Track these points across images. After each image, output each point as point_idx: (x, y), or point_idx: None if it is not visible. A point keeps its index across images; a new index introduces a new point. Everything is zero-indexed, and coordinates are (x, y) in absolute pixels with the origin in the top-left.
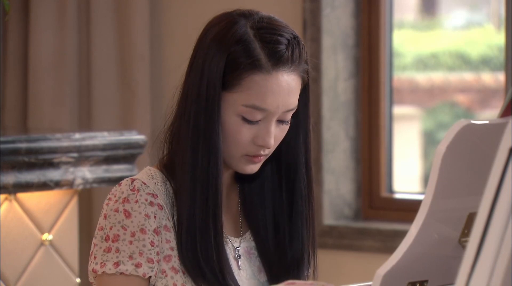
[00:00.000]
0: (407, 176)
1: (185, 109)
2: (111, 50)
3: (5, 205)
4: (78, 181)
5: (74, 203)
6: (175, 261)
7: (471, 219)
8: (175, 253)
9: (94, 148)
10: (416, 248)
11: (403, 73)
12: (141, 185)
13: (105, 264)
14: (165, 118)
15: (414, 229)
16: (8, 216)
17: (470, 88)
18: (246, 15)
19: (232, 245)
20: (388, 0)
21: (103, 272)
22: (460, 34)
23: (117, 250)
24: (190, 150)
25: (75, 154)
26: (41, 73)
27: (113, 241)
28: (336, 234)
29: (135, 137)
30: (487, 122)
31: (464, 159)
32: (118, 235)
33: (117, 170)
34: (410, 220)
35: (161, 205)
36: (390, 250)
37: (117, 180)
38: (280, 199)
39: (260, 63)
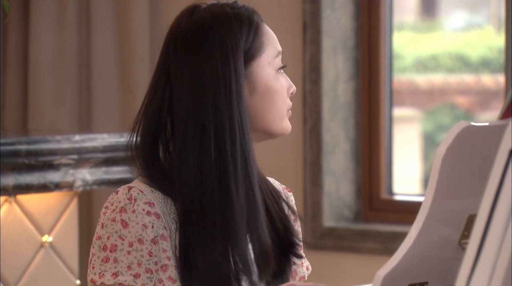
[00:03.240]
0: (407, 177)
1: (198, 109)
2: (111, 51)
3: (5, 207)
4: (78, 183)
5: (74, 205)
6: (172, 271)
7: (471, 221)
8: (171, 262)
9: (94, 150)
10: (416, 250)
11: (403, 75)
12: (138, 193)
13: (103, 274)
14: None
15: (414, 231)
16: (8, 218)
17: (470, 90)
18: (199, 6)
19: None
20: (388, 1)
21: (102, 282)
22: (460, 36)
23: (115, 260)
24: (220, 149)
25: (75, 156)
26: (41, 74)
27: (111, 251)
28: (336, 236)
29: (135, 139)
30: (487, 124)
31: (464, 161)
32: (116, 245)
33: (117, 172)
34: (410, 222)
35: (158, 214)
36: (390, 251)
37: (117, 182)
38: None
39: (257, 18)
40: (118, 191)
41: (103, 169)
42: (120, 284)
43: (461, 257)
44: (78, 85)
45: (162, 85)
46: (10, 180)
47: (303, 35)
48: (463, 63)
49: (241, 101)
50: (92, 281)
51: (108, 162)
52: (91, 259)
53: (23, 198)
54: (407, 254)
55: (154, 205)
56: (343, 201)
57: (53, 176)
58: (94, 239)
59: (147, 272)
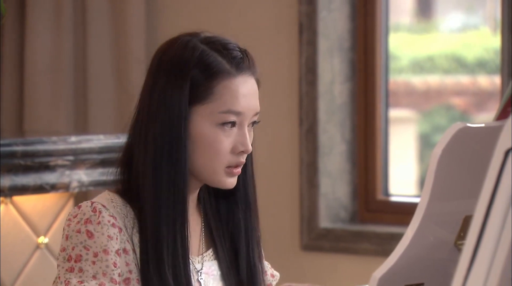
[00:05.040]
0: (403, 179)
1: (147, 133)
2: (107, 53)
3: (1, 208)
4: (74, 184)
5: (70, 206)
6: (134, 284)
7: (467, 222)
8: (133, 276)
9: (90, 151)
10: (412, 251)
11: (399, 76)
12: (101, 207)
13: (69, 281)
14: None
15: (410, 232)
16: (4, 219)
17: (466, 91)
18: (192, 34)
19: (195, 267)
20: (384, 3)
21: None
22: (456, 37)
23: (80, 270)
24: (155, 174)
25: (71, 157)
26: (37, 76)
27: (75, 261)
28: (332, 237)
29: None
30: (482, 125)
31: (460, 162)
32: (81, 255)
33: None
34: (406, 223)
35: (120, 228)
36: (386, 253)
37: (113, 183)
38: (237, 214)
39: (225, 69)
40: (81, 205)
41: (99, 170)
42: None
43: (457, 258)
44: (74, 86)
45: (138, 101)
46: (6, 181)
47: (299, 37)
48: (459, 64)
49: (179, 130)
50: None
51: (104, 163)
52: (57, 271)
53: (19, 199)
54: (403, 255)
55: (116, 218)
56: (339, 202)
57: (49, 177)
58: (59, 251)
59: (111, 281)
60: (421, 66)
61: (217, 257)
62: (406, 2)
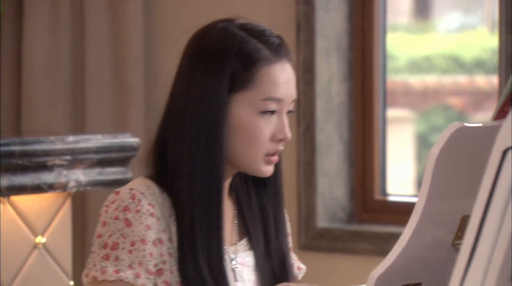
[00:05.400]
0: (401, 178)
1: (184, 121)
2: (105, 53)
3: None
4: (72, 184)
5: (67, 206)
6: (167, 275)
7: (464, 221)
8: (167, 266)
9: (88, 151)
10: (410, 251)
11: (396, 76)
12: (140, 195)
13: (105, 270)
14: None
15: (407, 231)
16: (2, 219)
17: (464, 91)
18: (228, 20)
19: (229, 257)
20: (382, 3)
21: (104, 279)
22: (453, 37)
23: (116, 258)
24: (191, 162)
25: (68, 157)
26: (35, 76)
27: (112, 249)
28: (330, 237)
29: (129, 140)
30: (480, 124)
31: (457, 162)
32: (118, 243)
33: (110, 173)
34: (404, 222)
35: (158, 217)
36: (384, 252)
37: (110, 183)
38: (267, 204)
39: (265, 56)
40: (119, 191)
41: (97, 170)
42: (121, 280)
43: (455, 258)
44: (72, 86)
45: (171, 90)
46: (4, 181)
47: (296, 36)
48: (456, 64)
49: (220, 118)
50: (94, 278)
51: (102, 163)
52: (90, 257)
53: (17, 199)
54: (401, 255)
55: (154, 206)
56: (337, 202)
57: (47, 177)
58: (94, 237)
59: (147, 272)
60: (418, 66)
61: (252, 247)
62: (404, 2)
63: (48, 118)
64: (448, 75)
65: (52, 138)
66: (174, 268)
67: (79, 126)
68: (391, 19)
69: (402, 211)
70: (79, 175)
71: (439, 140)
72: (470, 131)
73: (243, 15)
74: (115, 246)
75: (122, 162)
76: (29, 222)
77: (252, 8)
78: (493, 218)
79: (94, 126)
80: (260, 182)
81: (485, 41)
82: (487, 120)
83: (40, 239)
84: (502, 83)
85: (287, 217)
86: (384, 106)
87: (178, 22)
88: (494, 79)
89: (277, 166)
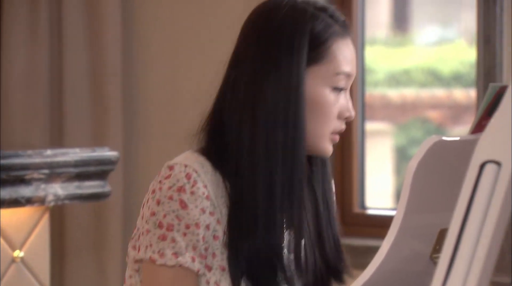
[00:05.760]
0: (380, 191)
1: (256, 99)
2: (83, 66)
3: None
4: (50, 197)
5: (45, 220)
6: (209, 259)
7: (442, 235)
8: (210, 250)
9: (66, 164)
10: (388, 264)
11: (375, 89)
12: (196, 175)
13: (163, 253)
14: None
15: (386, 245)
16: None
17: (442, 104)
18: None
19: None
20: (360, 16)
21: (164, 263)
22: (432, 50)
23: (173, 240)
24: (268, 140)
25: (46, 171)
26: (13, 90)
27: (167, 230)
28: None
29: (107, 153)
30: (458, 138)
31: (435, 175)
32: (173, 225)
33: (89, 186)
34: (382, 236)
35: (210, 197)
36: (363, 266)
37: (88, 197)
38: (316, 190)
39: (337, 31)
40: (173, 167)
41: (75, 183)
42: (180, 265)
43: (433, 271)
44: (50, 99)
45: (230, 67)
46: None
47: None
48: (435, 78)
49: (298, 93)
50: (152, 259)
51: (80, 177)
52: (144, 235)
53: None
54: (379, 268)
55: (206, 187)
56: None
57: (25, 191)
58: (147, 214)
59: (200, 257)
60: (397, 79)
61: (297, 236)
62: (382, 16)
63: (26, 131)
64: (427, 88)
65: (30, 152)
66: (218, 252)
67: (57, 140)
68: (369, 32)
69: (381, 224)
70: (57, 189)
71: (417, 154)
72: (448, 144)
73: (219, 27)
74: (170, 228)
75: (100, 175)
76: (7, 236)
77: (231, 18)
78: (470, 231)
79: (73, 140)
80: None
81: (463, 54)
82: (465, 134)
83: (18, 253)
84: (479, 96)
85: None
86: (363, 119)
87: (157, 36)
88: (472, 93)
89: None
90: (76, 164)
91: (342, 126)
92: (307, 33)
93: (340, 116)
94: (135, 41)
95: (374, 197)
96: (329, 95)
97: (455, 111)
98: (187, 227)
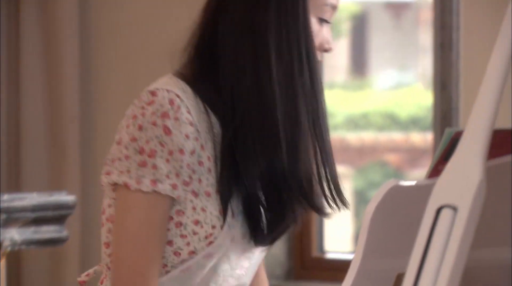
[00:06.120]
0: (339, 235)
1: (255, 20)
2: (41, 111)
3: None
4: (6, 242)
5: (1, 265)
6: (195, 185)
7: (400, 279)
8: (196, 176)
9: (23, 209)
10: None
11: (334, 133)
12: (179, 100)
13: (141, 180)
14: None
15: None
16: None
17: (400, 148)
18: None
19: None
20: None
21: (139, 189)
22: (389, 94)
23: (154, 167)
24: (279, 69)
25: (3, 215)
26: None
27: (149, 156)
28: None
29: (65, 198)
30: (415, 183)
31: (393, 219)
32: (155, 151)
33: (46, 231)
34: (341, 280)
35: (193, 123)
36: None
37: (45, 242)
38: None
39: None
40: (155, 92)
41: (32, 228)
42: (157, 192)
43: None
44: (7, 144)
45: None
46: None
47: None
48: (393, 121)
49: (306, 21)
50: (126, 185)
51: (37, 222)
52: (121, 160)
53: None
54: None
55: (190, 113)
56: (275, 259)
57: None
58: (127, 139)
59: (184, 184)
60: (355, 122)
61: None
62: (341, 60)
63: None
64: (385, 131)
65: None
66: (203, 177)
67: (15, 185)
68: (328, 76)
69: (339, 268)
70: (14, 234)
71: (374, 198)
72: (405, 189)
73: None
74: (152, 154)
75: (58, 220)
76: None
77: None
78: (427, 276)
79: (30, 184)
80: None
81: (420, 98)
82: (423, 178)
83: None
84: (436, 140)
85: None
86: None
87: (116, 83)
88: (429, 136)
89: None
90: (34, 208)
91: (319, 57)
92: None
93: (320, 47)
94: (94, 87)
95: (334, 240)
96: (315, 25)
97: (413, 154)
98: (171, 153)
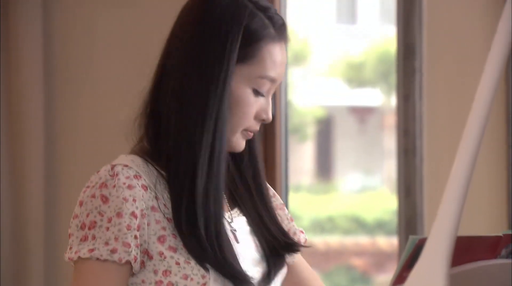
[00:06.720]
0: None
1: (183, 89)
2: (4, 216)
3: None
4: None
5: None
6: (170, 240)
7: None
8: (168, 232)
9: None
10: None
11: None
12: (122, 168)
13: (80, 250)
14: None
15: None
16: None
17: (366, 252)
18: None
19: (226, 220)
20: (284, 163)
21: (78, 257)
22: (355, 197)
23: (94, 237)
24: (196, 129)
25: None
26: None
27: (89, 229)
28: None
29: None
30: None
31: None
32: (95, 222)
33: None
34: None
35: (145, 186)
36: None
37: None
38: (247, 176)
39: (271, 34)
40: (100, 170)
41: None
42: (97, 258)
43: None
44: None
45: (164, 56)
46: None
47: None
48: (358, 225)
49: (225, 88)
50: (70, 259)
51: None
52: (69, 240)
53: None
54: None
55: (140, 177)
56: None
57: None
58: (71, 219)
59: (124, 246)
60: (321, 226)
61: (245, 214)
62: (306, 163)
63: None
64: (351, 235)
65: None
66: (176, 232)
67: None
68: (293, 179)
69: None
70: None
71: None
72: None
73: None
74: (92, 225)
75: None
76: None
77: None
78: None
79: None
80: (238, 156)
81: (386, 202)
82: (387, 284)
83: None
84: (402, 244)
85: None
86: None
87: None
88: (395, 240)
89: (251, 141)
90: None
91: (256, 127)
92: (241, 29)
93: (256, 117)
94: (59, 188)
95: None
96: (249, 96)
97: (379, 258)
98: (109, 220)
